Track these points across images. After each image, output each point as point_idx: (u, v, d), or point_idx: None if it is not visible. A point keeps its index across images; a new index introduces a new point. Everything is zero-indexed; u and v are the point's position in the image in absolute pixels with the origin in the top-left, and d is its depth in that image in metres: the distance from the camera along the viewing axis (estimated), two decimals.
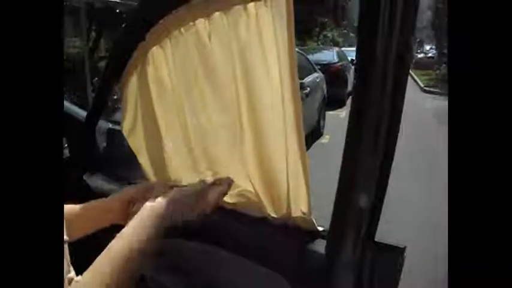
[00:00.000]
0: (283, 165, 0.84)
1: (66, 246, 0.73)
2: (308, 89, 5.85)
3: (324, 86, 7.23)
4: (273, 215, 0.93)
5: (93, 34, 8.13)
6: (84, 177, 1.38)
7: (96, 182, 1.38)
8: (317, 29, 18.73)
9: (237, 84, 0.87)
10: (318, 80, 6.86)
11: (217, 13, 0.84)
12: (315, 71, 7.09)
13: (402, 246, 0.79)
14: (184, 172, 1.06)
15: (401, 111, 0.70)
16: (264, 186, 0.91)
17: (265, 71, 0.82)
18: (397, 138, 0.73)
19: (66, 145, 1.44)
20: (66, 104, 1.43)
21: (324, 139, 6.54)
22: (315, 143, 6.29)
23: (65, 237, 0.72)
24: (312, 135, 6.29)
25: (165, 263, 0.98)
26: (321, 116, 6.87)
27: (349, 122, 0.70)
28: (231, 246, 0.95)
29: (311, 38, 18.09)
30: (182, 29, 0.90)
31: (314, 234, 0.88)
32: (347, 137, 0.73)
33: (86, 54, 6.87)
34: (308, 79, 6.26)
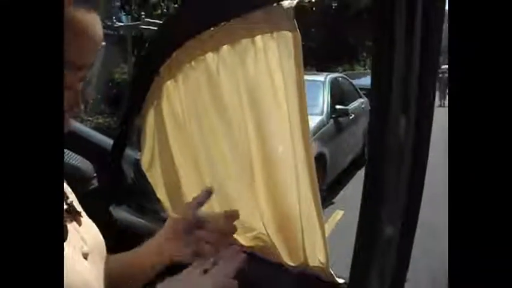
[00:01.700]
0: (295, 209, 0.76)
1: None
2: (353, 115, 5.71)
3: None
4: (290, 263, 0.84)
5: None
6: (110, 208, 1.36)
7: (121, 213, 1.36)
8: (364, 54, 18.56)
9: (246, 118, 0.83)
10: (363, 106, 6.67)
11: (225, 46, 0.80)
12: (360, 96, 6.92)
13: None
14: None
15: (428, 143, 0.60)
16: (277, 231, 0.84)
17: (274, 105, 0.78)
18: (426, 164, 0.62)
19: (95, 175, 1.44)
20: (99, 135, 1.44)
21: None
22: (358, 172, 6.01)
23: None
24: (355, 163, 6.07)
25: None
26: (366, 143, 6.65)
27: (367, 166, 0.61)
28: None
29: (358, 62, 17.95)
30: (193, 62, 0.87)
31: (333, 287, 0.79)
32: (365, 179, 0.64)
33: None
34: (353, 105, 6.11)
